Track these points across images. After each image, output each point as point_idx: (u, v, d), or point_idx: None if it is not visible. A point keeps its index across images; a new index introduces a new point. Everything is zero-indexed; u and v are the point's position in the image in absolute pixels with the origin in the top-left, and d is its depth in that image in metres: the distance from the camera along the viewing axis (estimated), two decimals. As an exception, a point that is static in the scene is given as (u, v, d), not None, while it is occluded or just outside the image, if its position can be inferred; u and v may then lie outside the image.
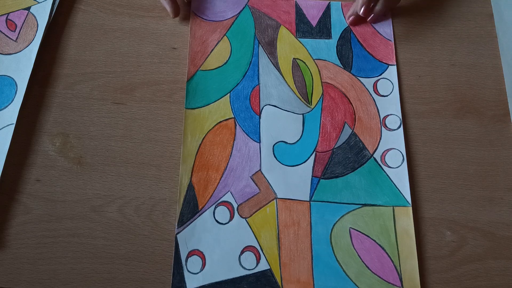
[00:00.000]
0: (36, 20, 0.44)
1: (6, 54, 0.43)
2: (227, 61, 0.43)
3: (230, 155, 0.40)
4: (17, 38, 0.44)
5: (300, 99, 0.42)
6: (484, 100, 0.43)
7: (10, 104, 0.41)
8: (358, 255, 0.37)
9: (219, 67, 0.43)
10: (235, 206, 0.38)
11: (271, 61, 0.43)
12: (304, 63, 0.43)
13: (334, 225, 0.38)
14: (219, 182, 0.39)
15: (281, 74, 0.43)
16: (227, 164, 0.39)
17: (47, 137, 0.41)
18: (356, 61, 0.44)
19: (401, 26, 0.46)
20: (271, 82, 0.43)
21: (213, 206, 0.38)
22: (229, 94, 0.42)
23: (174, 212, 0.38)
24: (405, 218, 0.38)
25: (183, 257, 0.36)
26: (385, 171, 0.40)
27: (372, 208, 0.38)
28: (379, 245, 0.37)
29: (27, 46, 0.43)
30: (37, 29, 0.44)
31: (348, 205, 0.39)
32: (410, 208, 0.38)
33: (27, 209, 0.38)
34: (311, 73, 0.43)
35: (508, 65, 0.44)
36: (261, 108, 0.41)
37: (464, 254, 0.38)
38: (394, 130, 0.41)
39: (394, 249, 0.37)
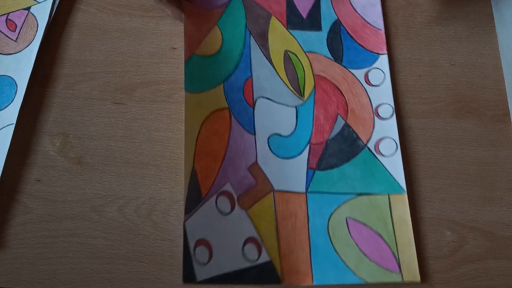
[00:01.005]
0: (36, 20, 0.44)
1: (6, 54, 0.43)
2: (219, 51, 0.43)
3: (227, 145, 0.39)
4: (17, 38, 0.44)
5: (292, 92, 0.42)
6: (484, 100, 0.43)
7: (10, 104, 0.41)
8: (356, 244, 0.37)
9: (212, 55, 0.42)
10: (235, 196, 0.38)
11: (263, 53, 0.43)
12: (296, 55, 0.43)
13: (331, 215, 0.38)
14: (218, 172, 0.38)
15: (273, 67, 0.43)
16: (225, 154, 0.39)
17: (47, 137, 0.41)
18: (346, 53, 0.44)
19: (401, 26, 0.46)
20: (264, 74, 0.42)
21: (215, 195, 0.38)
22: (223, 84, 0.41)
23: (174, 212, 0.38)
24: (401, 206, 0.38)
25: (191, 247, 0.36)
26: (379, 160, 0.40)
27: (368, 197, 0.39)
28: (377, 233, 0.37)
29: (27, 46, 0.43)
30: (37, 29, 0.44)
31: (344, 196, 0.39)
32: (406, 195, 0.39)
33: (27, 209, 0.38)
34: (302, 66, 0.43)
35: (508, 65, 0.44)
36: (254, 101, 0.41)
37: (464, 254, 0.38)
38: (387, 119, 0.41)
39: (391, 237, 0.37)
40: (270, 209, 0.38)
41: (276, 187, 0.39)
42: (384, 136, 0.40)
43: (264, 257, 0.36)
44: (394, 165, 0.39)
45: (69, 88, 0.43)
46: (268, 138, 0.40)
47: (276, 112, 0.41)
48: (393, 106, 0.41)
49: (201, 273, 0.35)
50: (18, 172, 0.39)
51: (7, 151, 0.39)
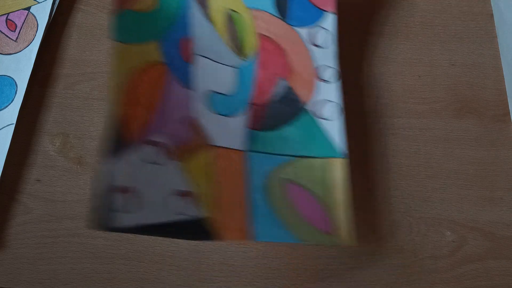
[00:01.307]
0: (36, 20, 0.44)
1: (6, 54, 0.43)
2: (155, 9, 0.39)
3: (162, 97, 0.37)
4: (17, 38, 0.44)
5: (234, 52, 0.40)
6: (484, 100, 0.43)
7: (10, 104, 0.41)
8: (293, 205, 0.36)
9: (147, 12, 0.39)
10: (168, 148, 0.35)
11: (203, 12, 0.40)
12: (238, 14, 0.41)
13: (269, 176, 0.36)
14: (150, 121, 0.35)
15: (214, 26, 0.40)
16: (159, 105, 0.36)
17: (47, 137, 0.41)
18: (292, 8, 0.41)
19: (401, 26, 0.46)
20: (204, 34, 0.40)
21: (145, 144, 0.35)
22: (159, 41, 0.38)
23: (174, 212, 0.38)
24: (339, 170, 0.37)
25: (108, 192, 0.31)
26: (320, 124, 0.38)
27: (307, 160, 0.37)
28: (314, 197, 0.36)
29: (27, 46, 0.43)
30: (37, 29, 0.44)
31: (284, 157, 0.37)
32: (345, 160, 0.37)
33: (27, 209, 0.38)
34: (245, 25, 0.41)
35: (508, 65, 0.44)
36: (193, 59, 0.39)
37: (464, 254, 0.38)
38: (331, 82, 0.39)
39: (328, 200, 0.36)
40: (207, 164, 0.36)
41: (214, 142, 0.37)
42: (327, 99, 0.38)
43: (197, 212, 0.34)
44: (335, 130, 0.38)
45: (69, 88, 0.43)
46: (207, 95, 0.38)
47: (216, 71, 0.39)
48: (338, 70, 0.39)
49: (121, 221, 0.31)
50: (18, 172, 0.39)
51: (7, 151, 0.39)
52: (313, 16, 0.40)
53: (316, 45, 0.40)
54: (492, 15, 0.47)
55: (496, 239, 0.39)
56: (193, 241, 0.38)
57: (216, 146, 0.37)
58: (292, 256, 0.38)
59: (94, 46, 0.44)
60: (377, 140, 0.42)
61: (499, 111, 0.43)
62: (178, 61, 0.39)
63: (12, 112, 0.40)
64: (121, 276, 0.37)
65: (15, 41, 0.44)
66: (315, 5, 0.41)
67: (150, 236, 0.38)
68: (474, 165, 0.41)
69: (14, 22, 0.45)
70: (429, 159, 0.41)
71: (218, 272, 0.37)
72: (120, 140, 0.34)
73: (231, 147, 0.37)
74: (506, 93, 0.44)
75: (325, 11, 0.40)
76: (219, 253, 0.38)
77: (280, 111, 0.39)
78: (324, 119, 0.38)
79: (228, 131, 0.38)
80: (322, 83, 0.39)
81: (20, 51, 0.43)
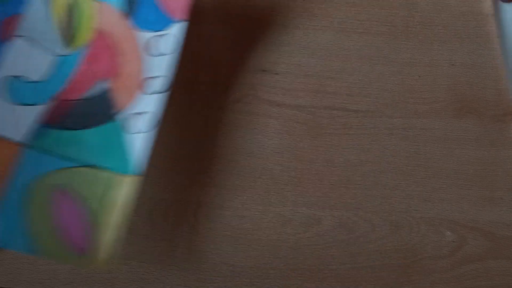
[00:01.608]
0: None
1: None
2: None
3: None
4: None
5: (62, 40, 0.37)
6: (484, 100, 0.43)
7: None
8: (53, 216, 0.33)
9: None
10: None
11: None
12: (82, 2, 0.38)
13: (40, 178, 0.34)
14: None
15: (52, 9, 0.38)
16: None
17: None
18: (140, 9, 0.38)
19: (401, 26, 0.46)
20: (36, 15, 0.37)
21: None
22: None
23: (173, 213, 0.38)
24: (126, 187, 0.33)
25: None
26: (125, 136, 0.35)
27: (95, 170, 0.34)
28: (85, 211, 0.33)
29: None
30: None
31: (68, 162, 0.34)
32: (138, 178, 0.33)
33: (27, 209, 0.38)
34: (85, 15, 0.38)
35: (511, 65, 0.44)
36: (12, 38, 0.37)
37: (464, 254, 0.38)
38: (157, 92, 0.35)
39: (99, 217, 0.33)
40: None
41: None
42: (146, 111, 0.35)
43: None
44: (141, 144, 0.34)
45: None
46: (9, 78, 0.36)
47: (32, 56, 0.37)
48: (171, 80, 0.35)
49: None
50: (18, 172, 0.39)
51: (7, 151, 0.39)
52: (161, 22, 0.37)
53: (154, 54, 0.37)
54: (492, 15, 0.47)
55: (496, 239, 0.39)
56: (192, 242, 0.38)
57: None
58: (292, 256, 0.38)
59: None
60: (376, 140, 0.42)
61: (499, 111, 0.43)
62: None
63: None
64: (121, 276, 0.37)
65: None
66: (164, 12, 0.37)
67: (150, 237, 0.38)
68: (474, 165, 0.41)
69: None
70: (429, 159, 0.41)
71: (218, 272, 0.37)
72: None
73: (6, 137, 0.34)
74: (509, 93, 0.44)
75: (174, 20, 0.37)
76: (219, 253, 0.38)
77: (88, 112, 0.36)
78: (134, 132, 0.35)
79: (13, 120, 0.35)
80: (147, 93, 0.36)
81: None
